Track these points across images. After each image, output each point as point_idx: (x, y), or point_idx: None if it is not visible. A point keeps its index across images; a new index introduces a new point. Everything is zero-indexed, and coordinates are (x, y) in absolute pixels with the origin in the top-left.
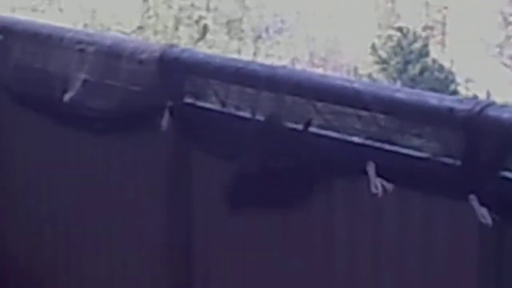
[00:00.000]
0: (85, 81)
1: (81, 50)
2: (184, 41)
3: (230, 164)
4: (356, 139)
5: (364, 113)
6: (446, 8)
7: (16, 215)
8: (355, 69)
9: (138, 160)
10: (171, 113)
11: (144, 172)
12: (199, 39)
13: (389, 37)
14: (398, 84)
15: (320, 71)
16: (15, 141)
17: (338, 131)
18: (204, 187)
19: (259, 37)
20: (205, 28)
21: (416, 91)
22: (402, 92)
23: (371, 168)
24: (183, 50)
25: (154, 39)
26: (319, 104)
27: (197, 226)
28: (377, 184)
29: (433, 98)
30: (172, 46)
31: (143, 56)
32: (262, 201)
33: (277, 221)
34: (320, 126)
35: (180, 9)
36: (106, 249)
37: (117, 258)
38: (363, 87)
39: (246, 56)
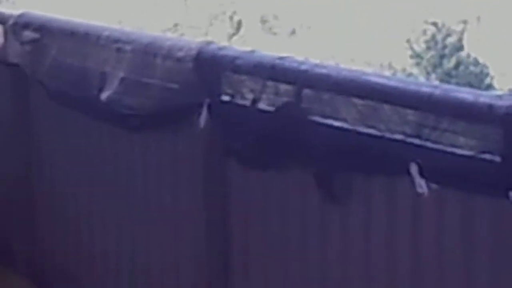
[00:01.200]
0: (122, 79)
1: (118, 49)
2: (218, 36)
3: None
4: (397, 137)
5: (401, 110)
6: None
7: (53, 212)
8: (390, 64)
9: (175, 157)
10: (209, 110)
11: (181, 170)
12: (233, 35)
13: (424, 31)
14: (433, 78)
15: (354, 65)
16: (52, 138)
17: (376, 128)
18: (241, 185)
19: (293, 32)
20: (239, 24)
21: (454, 87)
22: (440, 89)
23: (414, 168)
24: (220, 48)
25: (189, 35)
26: (357, 101)
27: (235, 225)
28: (422, 184)
29: (471, 95)
30: (209, 43)
31: (180, 54)
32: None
33: (315, 222)
34: (358, 123)
35: (214, 4)
36: (144, 247)
37: (154, 257)
38: (401, 84)
39: (281, 51)
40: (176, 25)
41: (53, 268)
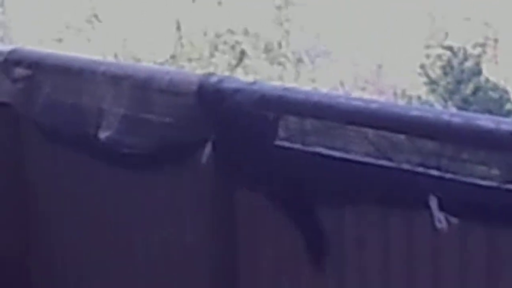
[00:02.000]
0: (120, 116)
1: (115, 84)
2: (221, 68)
3: (277, 201)
4: (414, 169)
5: (419, 141)
6: (497, 23)
7: (50, 258)
8: (403, 91)
9: (179, 196)
10: (213, 147)
11: (185, 209)
12: (236, 65)
13: (438, 56)
14: (450, 105)
15: (365, 94)
16: (47, 178)
17: (392, 160)
18: (249, 225)
19: (300, 60)
20: (242, 54)
21: (473, 114)
22: (459, 117)
23: (433, 202)
24: (222, 79)
25: (189, 67)
26: (371, 132)
27: (243, 268)
28: (441, 219)
29: (491, 122)
30: (210, 75)
31: (180, 88)
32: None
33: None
34: (374, 156)
35: (216, 35)
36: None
37: None
38: (418, 112)
39: (287, 81)
40: (173, 56)
41: None
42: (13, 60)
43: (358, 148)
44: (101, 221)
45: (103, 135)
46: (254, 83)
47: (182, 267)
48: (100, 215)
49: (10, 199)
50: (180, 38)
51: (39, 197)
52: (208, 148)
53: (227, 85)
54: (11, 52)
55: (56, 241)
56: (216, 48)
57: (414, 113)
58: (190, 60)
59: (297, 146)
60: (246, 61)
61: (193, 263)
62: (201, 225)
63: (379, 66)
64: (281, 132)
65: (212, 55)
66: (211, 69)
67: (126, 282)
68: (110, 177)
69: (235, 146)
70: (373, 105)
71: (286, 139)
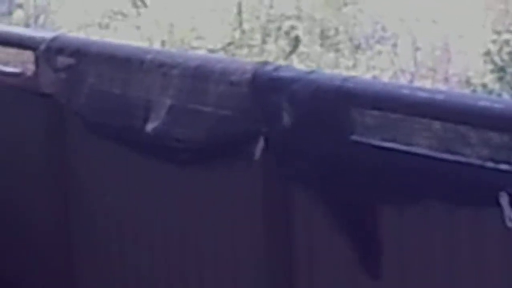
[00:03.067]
0: (169, 107)
1: (164, 74)
2: (274, 55)
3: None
4: (483, 164)
5: (487, 133)
6: None
7: (96, 253)
8: (468, 79)
9: (229, 194)
10: (266, 140)
11: (237, 207)
12: (290, 52)
13: (506, 42)
14: None
15: (428, 83)
16: (92, 176)
17: (459, 154)
18: (305, 223)
19: (358, 47)
20: (297, 40)
21: None
22: None
23: (504, 199)
24: (278, 68)
25: (241, 55)
26: (437, 125)
27: (299, 266)
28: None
29: None
30: (265, 64)
31: (233, 77)
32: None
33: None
34: (439, 150)
35: (268, 20)
36: None
37: None
38: (485, 103)
39: (345, 69)
40: (230, 43)
41: None
42: (56, 48)
43: (422, 141)
44: (145, 220)
45: (150, 127)
46: (311, 72)
47: (235, 269)
48: (144, 213)
49: (53, 191)
50: (241, 23)
51: (82, 191)
52: (261, 142)
53: (283, 74)
54: (53, 39)
55: (99, 237)
56: (268, 34)
57: (482, 103)
58: (241, 47)
59: (360, 139)
60: (301, 48)
61: (248, 265)
62: (253, 225)
63: (443, 53)
64: (342, 125)
65: (264, 42)
66: (264, 57)
67: (172, 267)
68: (157, 173)
69: (290, 140)
70: (439, 96)
71: (351, 133)
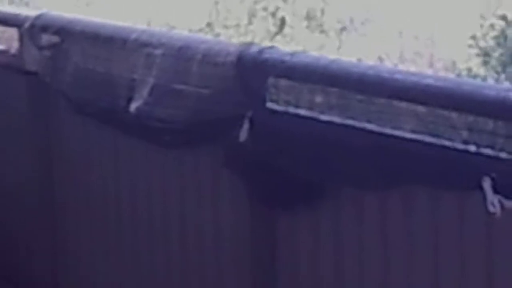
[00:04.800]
0: (152, 87)
1: (148, 53)
2: (260, 36)
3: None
4: (466, 148)
5: (471, 118)
6: None
7: (80, 229)
8: (453, 64)
9: (214, 175)
10: (251, 122)
11: (222, 189)
12: (276, 34)
13: (491, 26)
14: (503, 78)
15: (413, 67)
16: (76, 155)
17: (442, 138)
18: (289, 207)
19: (343, 29)
20: (282, 21)
21: None
22: None
23: (487, 183)
24: (263, 50)
25: (225, 36)
26: (421, 109)
27: (282, 253)
28: (494, 202)
29: None
30: (250, 45)
31: (218, 58)
32: None
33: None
34: (422, 132)
35: (254, 1)
36: (180, 272)
37: (194, 284)
38: (471, 88)
39: (330, 51)
40: (209, 24)
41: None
42: (40, 26)
43: (405, 125)
44: (130, 195)
45: (133, 107)
46: (296, 53)
47: (219, 249)
48: (128, 190)
49: (37, 169)
50: (217, 3)
51: (66, 169)
52: (246, 124)
53: (268, 56)
54: (37, 17)
55: (83, 212)
56: (254, 14)
57: (466, 88)
58: (226, 27)
59: (337, 120)
60: (286, 29)
61: (232, 246)
62: (238, 209)
63: (429, 37)
64: (323, 106)
65: (250, 23)
66: (249, 38)
67: (156, 248)
68: (140, 153)
69: (273, 121)
70: (424, 80)
71: (329, 113)
